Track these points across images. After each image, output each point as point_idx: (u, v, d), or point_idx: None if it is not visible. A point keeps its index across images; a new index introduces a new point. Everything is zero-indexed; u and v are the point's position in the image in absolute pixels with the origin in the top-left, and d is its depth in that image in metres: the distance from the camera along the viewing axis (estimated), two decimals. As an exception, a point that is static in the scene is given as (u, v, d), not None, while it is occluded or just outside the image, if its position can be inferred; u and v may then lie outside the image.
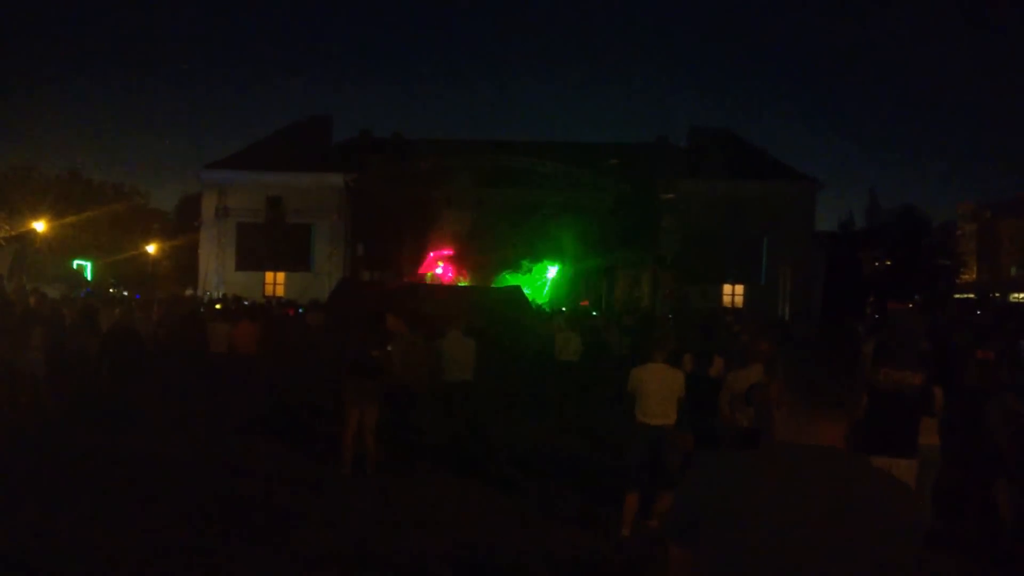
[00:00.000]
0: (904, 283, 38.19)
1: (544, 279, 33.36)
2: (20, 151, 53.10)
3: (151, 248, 40.10)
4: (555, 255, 32.91)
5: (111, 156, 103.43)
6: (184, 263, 39.13)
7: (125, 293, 26.65)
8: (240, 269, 35.22)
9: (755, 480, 1.73)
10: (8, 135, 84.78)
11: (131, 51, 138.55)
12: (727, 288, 35.75)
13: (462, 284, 30.89)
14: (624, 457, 6.73)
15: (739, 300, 35.37)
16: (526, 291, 25.82)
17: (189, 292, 31.68)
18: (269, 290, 35.06)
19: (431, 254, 33.01)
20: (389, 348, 8.75)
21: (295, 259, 35.05)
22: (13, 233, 28.12)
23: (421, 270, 32.84)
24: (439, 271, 33.17)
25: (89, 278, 32.27)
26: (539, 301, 29.54)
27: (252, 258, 35.12)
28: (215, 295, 28.26)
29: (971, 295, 42.21)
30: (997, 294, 41.72)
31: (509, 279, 30.91)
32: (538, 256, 32.92)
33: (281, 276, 35.84)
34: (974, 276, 46.67)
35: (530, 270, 32.81)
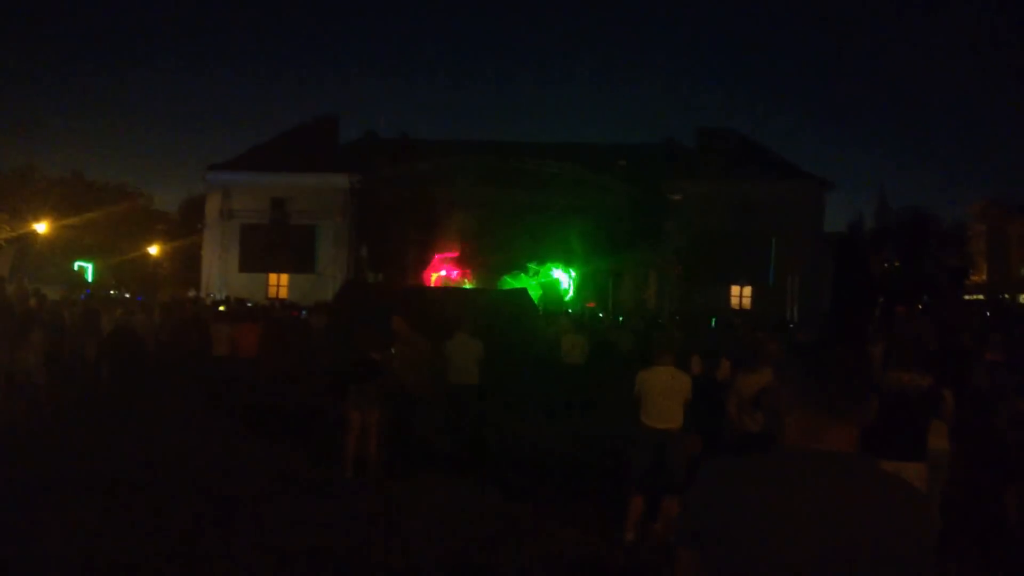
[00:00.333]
0: (913, 284, 37.93)
1: (554, 280, 33.20)
2: (22, 152, 53.08)
3: (153, 249, 39.96)
4: (561, 257, 32.72)
5: (115, 157, 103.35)
6: (187, 265, 39.01)
7: (127, 295, 26.44)
8: (243, 271, 35.00)
9: (765, 486, 1.72)
10: (10, 135, 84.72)
11: (135, 51, 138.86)
12: (735, 290, 35.46)
13: (468, 286, 30.69)
14: (629, 460, 6.67)
15: (747, 302, 35.12)
16: (532, 293, 25.62)
17: (192, 294, 31.49)
18: (272, 292, 34.82)
19: (437, 256, 32.82)
20: (393, 350, 8.67)
21: (299, 261, 34.85)
22: (14, 234, 27.97)
23: (426, 272, 32.67)
24: (444, 273, 33.00)
25: (90, 279, 32.13)
26: (554, 303, 29.37)
27: (255, 260, 34.91)
28: (218, 297, 28.07)
29: (980, 296, 41.89)
30: (1007, 295, 41.31)
31: (515, 281, 30.71)
32: (544, 258, 32.74)
33: (284, 278, 35.63)
34: (984, 277, 46.35)
35: (536, 272, 32.65)
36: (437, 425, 9.41)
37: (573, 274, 33.33)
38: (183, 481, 7.63)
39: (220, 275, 34.64)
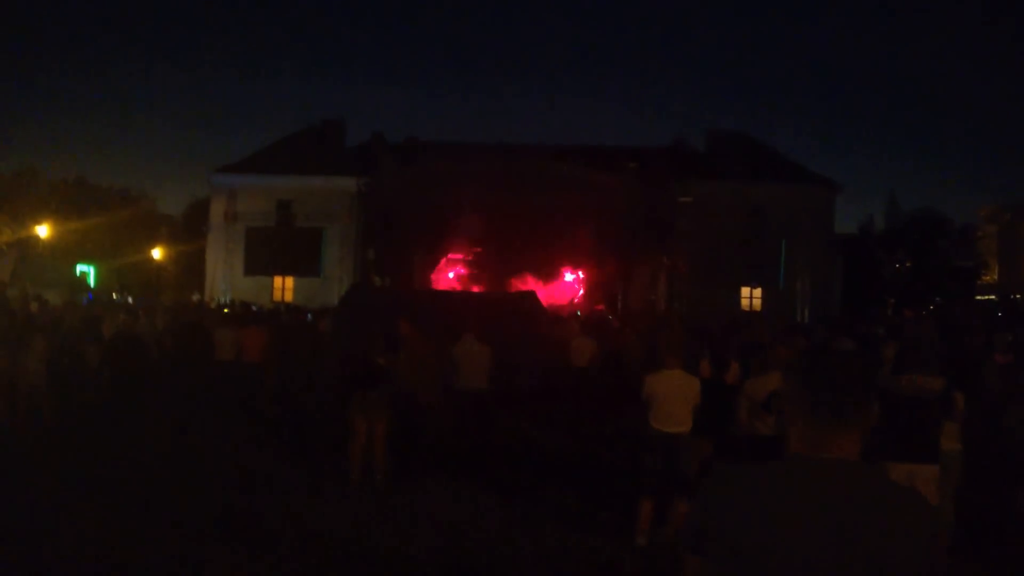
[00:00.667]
0: (924, 286, 37.64)
1: (562, 283, 32.96)
2: (24, 155, 53.05)
3: (157, 253, 39.78)
4: (570, 260, 32.45)
5: (119, 160, 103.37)
6: (191, 268, 38.81)
7: (130, 299, 26.21)
8: (248, 274, 34.73)
9: (771, 495, 1.71)
10: (13, 139, 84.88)
11: (140, 54, 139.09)
12: (745, 292, 35.18)
13: (475, 289, 30.44)
14: (639, 464, 6.64)
15: (757, 304, 34.85)
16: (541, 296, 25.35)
17: (196, 298, 31.30)
18: (278, 295, 34.57)
19: (444, 259, 32.60)
20: (400, 355, 8.56)
21: (305, 264, 34.60)
22: (15, 238, 27.78)
23: (434, 275, 32.43)
24: (452, 276, 32.77)
25: (92, 284, 31.94)
26: (563, 306, 29.13)
27: (261, 263, 34.63)
28: (223, 301, 27.88)
29: (992, 297, 41.64)
30: (1018, 295, 40.99)
31: (523, 284, 30.43)
32: (553, 261, 32.48)
33: (290, 281, 35.37)
34: (995, 278, 46.08)
35: (547, 275, 32.42)
36: (445, 431, 9.29)
37: (582, 276, 33.07)
38: (186, 489, 7.55)
39: (225, 279, 34.37)
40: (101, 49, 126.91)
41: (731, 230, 32.95)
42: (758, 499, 1.71)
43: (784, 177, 34.31)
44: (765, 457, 1.87)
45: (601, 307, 29.72)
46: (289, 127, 58.31)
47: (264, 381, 11.44)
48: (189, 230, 42.29)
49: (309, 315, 17.97)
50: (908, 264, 39.46)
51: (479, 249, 31.93)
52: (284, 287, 35.33)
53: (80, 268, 32.98)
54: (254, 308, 19.77)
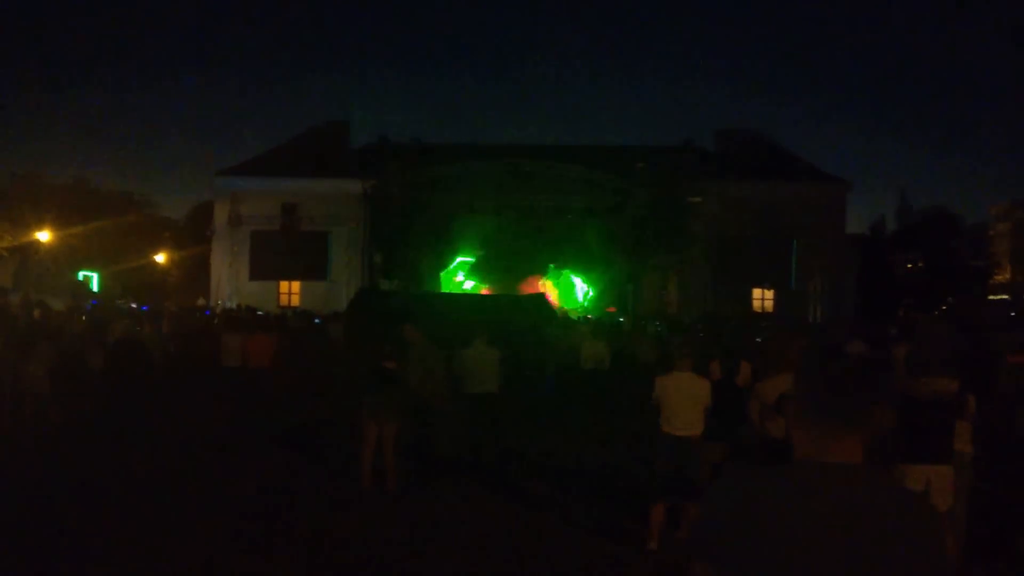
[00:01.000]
0: (937, 285, 37.26)
1: (571, 285, 32.69)
2: (26, 159, 52.82)
3: (161, 258, 39.50)
4: (580, 261, 32.15)
5: (121, 163, 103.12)
6: (195, 273, 38.51)
7: (134, 304, 25.88)
8: (254, 279, 34.37)
9: (778, 500, 1.69)
10: (14, 143, 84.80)
11: (142, 56, 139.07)
12: (757, 292, 34.85)
13: (484, 292, 30.15)
14: (651, 468, 6.59)
15: (769, 304, 34.50)
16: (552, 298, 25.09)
17: (201, 302, 30.98)
18: (284, 300, 34.28)
19: (452, 262, 32.33)
20: (408, 359, 8.53)
21: (311, 268, 34.24)
22: (17, 243, 27.48)
23: (442, 278, 32.16)
24: (460, 278, 32.49)
25: (95, 289, 31.63)
26: (572, 309, 28.86)
27: (266, 267, 34.27)
28: (228, 305, 27.56)
29: (1006, 296, 41.23)
30: (1032, 295, 40.56)
31: (531, 287, 30.13)
32: (562, 263, 32.19)
33: (296, 285, 35.02)
34: (1008, 276, 45.69)
35: (556, 277, 32.14)
36: (455, 435, 9.23)
37: (591, 278, 32.76)
38: (192, 495, 7.47)
39: (230, 283, 34.02)
40: (102, 52, 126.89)
41: (742, 230, 32.56)
42: (764, 504, 1.69)
43: (795, 176, 34.00)
44: (777, 461, 1.84)
45: (612, 309, 29.44)
46: (292, 129, 58.18)
47: (275, 387, 11.29)
48: (193, 234, 41.98)
49: (317, 319, 17.63)
50: (920, 264, 39.07)
51: (487, 251, 31.65)
52: (291, 291, 35.00)
53: (82, 273, 32.64)
54: (260, 313, 19.43)
